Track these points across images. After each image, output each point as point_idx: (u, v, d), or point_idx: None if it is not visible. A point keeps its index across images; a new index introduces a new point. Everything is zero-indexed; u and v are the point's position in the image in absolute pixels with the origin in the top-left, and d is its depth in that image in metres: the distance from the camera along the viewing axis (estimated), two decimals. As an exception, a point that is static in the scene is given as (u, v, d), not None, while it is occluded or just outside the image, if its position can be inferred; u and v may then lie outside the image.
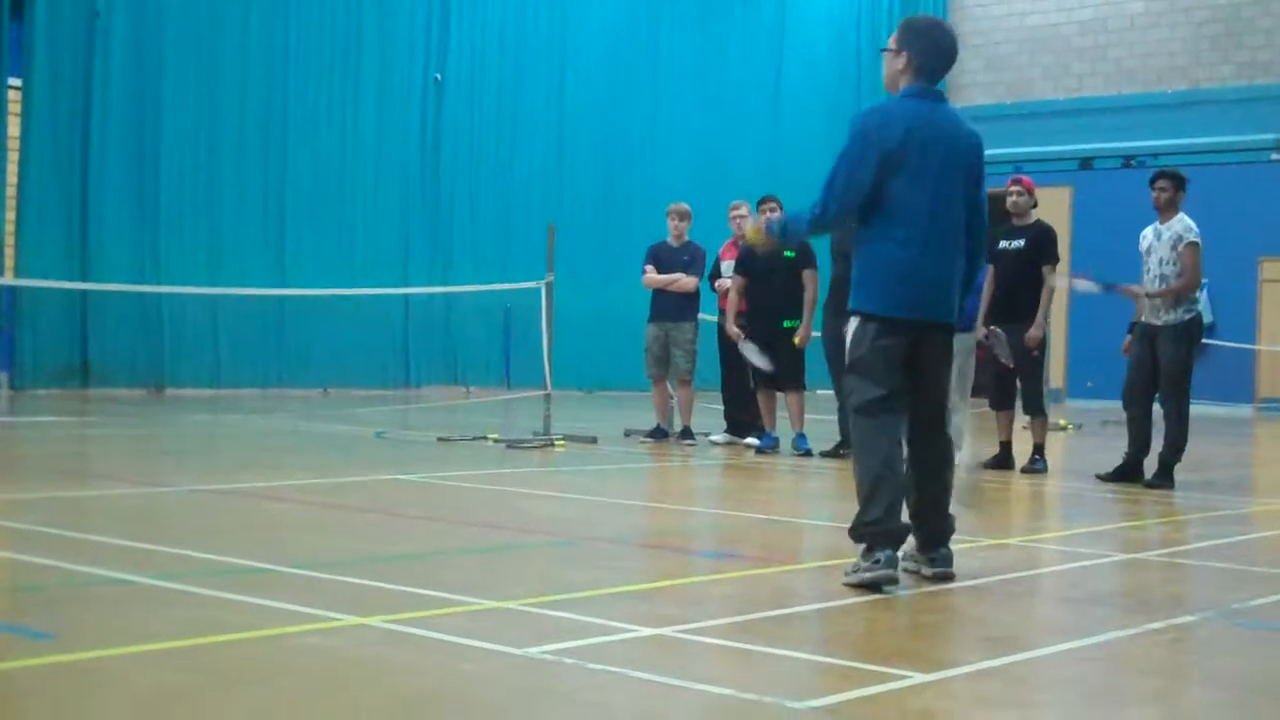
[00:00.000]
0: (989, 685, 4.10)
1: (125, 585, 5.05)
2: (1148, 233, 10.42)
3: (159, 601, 4.82)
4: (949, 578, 5.68)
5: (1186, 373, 10.17)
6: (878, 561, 5.44)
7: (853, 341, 5.83)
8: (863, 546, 5.53)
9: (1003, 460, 11.09)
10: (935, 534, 5.79)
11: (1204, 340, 23.81)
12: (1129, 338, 10.79)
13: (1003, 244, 11.02)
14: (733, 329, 12.17)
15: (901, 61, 5.91)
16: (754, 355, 11.77)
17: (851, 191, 5.72)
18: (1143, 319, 10.39)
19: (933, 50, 5.92)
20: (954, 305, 5.87)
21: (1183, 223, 10.18)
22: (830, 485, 9.73)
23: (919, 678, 4.06)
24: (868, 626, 5.07)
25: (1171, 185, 10.29)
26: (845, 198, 5.74)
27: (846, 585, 5.48)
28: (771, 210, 12.03)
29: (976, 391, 11.87)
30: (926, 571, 5.73)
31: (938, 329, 5.82)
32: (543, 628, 4.56)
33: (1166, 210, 10.28)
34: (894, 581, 5.46)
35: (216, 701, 3.58)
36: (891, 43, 5.99)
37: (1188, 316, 10.14)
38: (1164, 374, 10.13)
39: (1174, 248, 10.08)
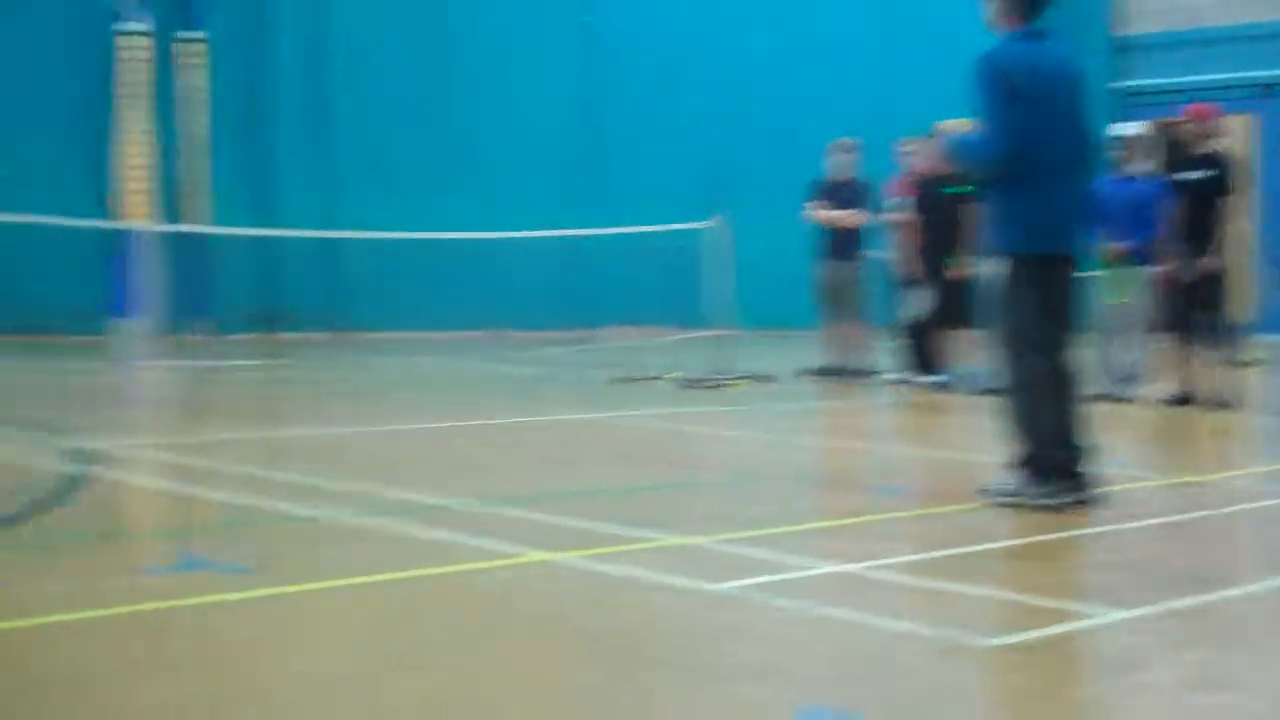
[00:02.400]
0: (1181, 624, 4.04)
1: (319, 522, 5.22)
2: None
3: (351, 537, 4.97)
4: (1093, 501, 5.79)
5: None
6: (1058, 490, 5.75)
7: (1008, 282, 5.95)
8: (1026, 473, 5.81)
9: (1187, 396, 10.84)
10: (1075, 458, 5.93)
11: None
12: None
13: (1181, 175, 10.72)
14: (908, 267, 12.02)
15: (996, 3, 6.06)
16: (915, 302, 11.72)
17: (1010, 125, 5.83)
18: None
19: None
20: (1081, 236, 6.16)
21: None
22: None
23: (1109, 616, 4.01)
24: (1055, 564, 5.03)
25: None
26: (1009, 133, 5.85)
27: (1021, 505, 5.74)
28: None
29: (1159, 327, 11.60)
30: (1066, 499, 5.80)
31: (1069, 261, 6.04)
32: (729, 564, 4.61)
33: None
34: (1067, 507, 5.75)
35: (412, 633, 3.70)
36: None
37: None
38: None
39: None
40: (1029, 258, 5.91)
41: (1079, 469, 5.88)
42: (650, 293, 23.95)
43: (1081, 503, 5.81)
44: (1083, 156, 6.07)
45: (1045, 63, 5.95)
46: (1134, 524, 5.55)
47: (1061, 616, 4.06)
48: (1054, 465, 5.81)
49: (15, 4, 18.25)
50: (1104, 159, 6.35)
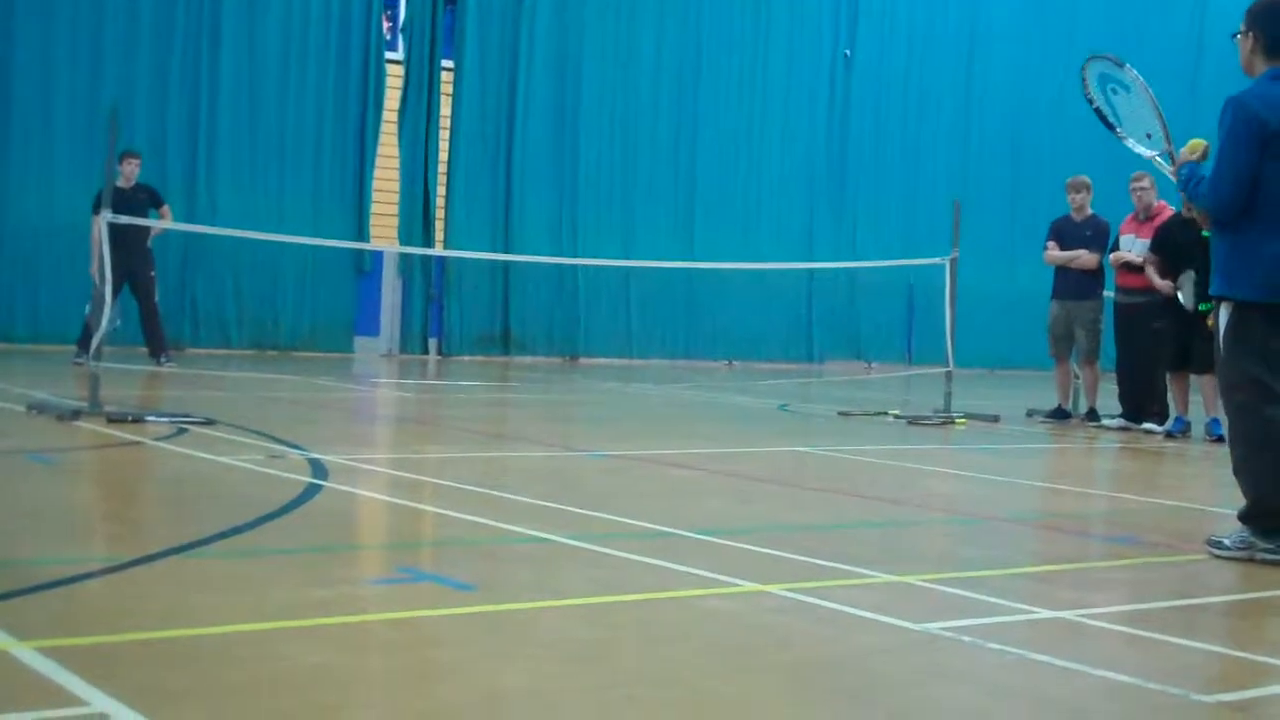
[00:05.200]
0: None
1: (541, 543, 5.34)
2: None
3: (572, 559, 5.08)
4: None
5: None
6: None
7: (1231, 329, 5.83)
8: (1255, 525, 5.65)
9: None
10: None
11: None
12: None
13: None
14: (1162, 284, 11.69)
15: (1250, 43, 5.90)
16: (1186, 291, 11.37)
17: (1242, 174, 5.70)
18: None
19: (1276, 26, 5.84)
20: None
21: None
22: None
23: (1337, 678, 3.88)
24: (1283, 622, 4.87)
25: None
26: (1238, 182, 5.71)
27: (1251, 558, 5.59)
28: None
29: None
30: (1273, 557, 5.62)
31: None
32: (941, 604, 4.58)
33: None
34: None
35: (627, 656, 3.77)
36: (1242, 26, 5.96)
37: None
38: None
39: None
40: (1255, 306, 5.76)
41: None
42: (878, 327, 23.84)
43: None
44: None
45: None
46: (1371, 585, 5.33)
47: (1285, 676, 3.93)
48: None
49: (292, 31, 19.09)
50: None
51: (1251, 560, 5.58)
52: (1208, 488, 9.05)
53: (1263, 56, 5.87)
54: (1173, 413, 11.91)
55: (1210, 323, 11.27)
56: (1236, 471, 5.83)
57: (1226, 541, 5.69)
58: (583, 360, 20.86)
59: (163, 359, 14.71)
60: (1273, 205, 5.70)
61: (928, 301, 20.48)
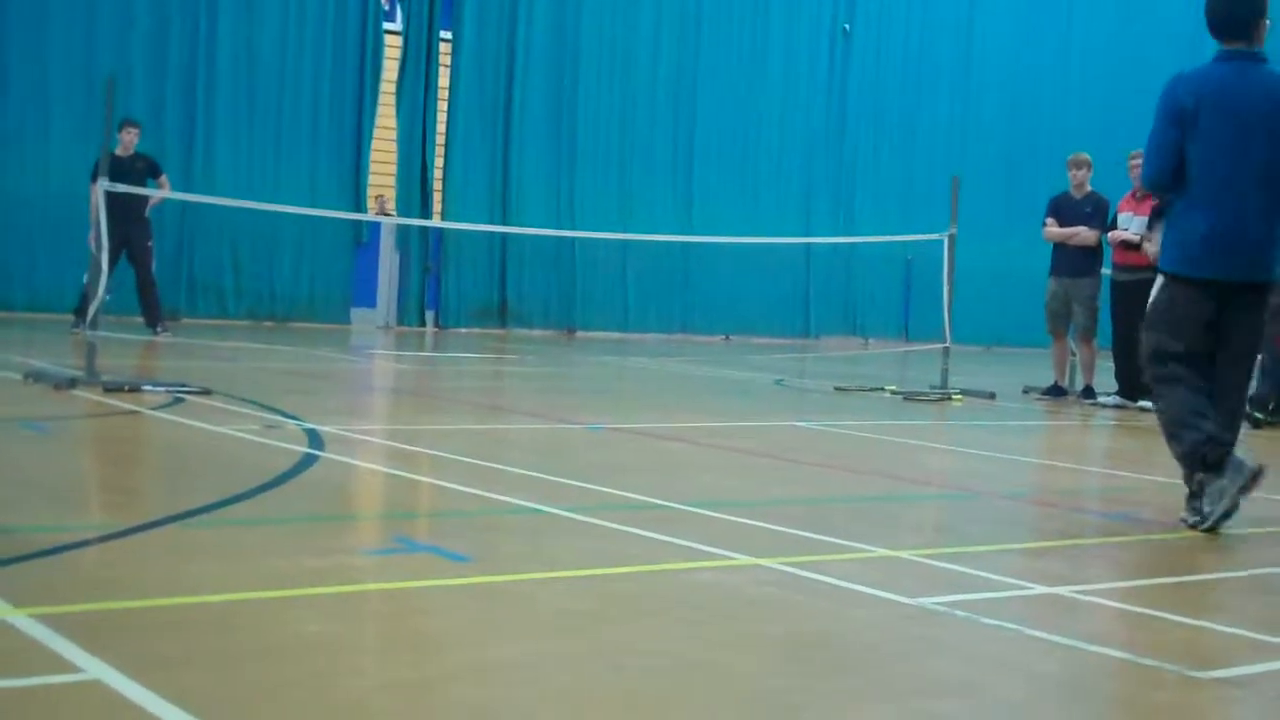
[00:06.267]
0: None
1: (537, 514, 5.35)
2: None
3: (567, 531, 5.08)
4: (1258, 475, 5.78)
5: None
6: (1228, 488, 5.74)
7: (1155, 299, 6.04)
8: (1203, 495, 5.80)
9: None
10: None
11: None
12: None
13: None
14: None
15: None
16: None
17: (1163, 152, 5.94)
18: None
19: (1208, 11, 6.03)
20: (1267, 264, 5.95)
21: None
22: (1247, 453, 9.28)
23: (1330, 655, 3.88)
24: (1277, 597, 4.87)
25: None
26: (1159, 159, 5.95)
27: (1203, 529, 5.73)
28: None
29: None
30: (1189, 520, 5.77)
31: (1245, 289, 5.94)
32: (935, 579, 4.58)
33: None
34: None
35: (618, 627, 3.77)
36: None
37: None
38: None
39: None
40: (1178, 278, 5.95)
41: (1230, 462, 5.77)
42: (876, 303, 23.84)
43: (1247, 487, 5.70)
44: (1266, 182, 5.89)
45: (1234, 87, 5.86)
46: (1365, 563, 5.34)
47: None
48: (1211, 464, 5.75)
49: (291, 1, 19.00)
50: None
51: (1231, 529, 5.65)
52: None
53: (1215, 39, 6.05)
54: (1169, 391, 11.89)
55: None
56: (1167, 440, 6.04)
57: (1203, 515, 5.76)
58: (579, 333, 20.85)
59: (159, 328, 14.69)
60: (1195, 183, 5.87)
61: (925, 277, 20.47)
